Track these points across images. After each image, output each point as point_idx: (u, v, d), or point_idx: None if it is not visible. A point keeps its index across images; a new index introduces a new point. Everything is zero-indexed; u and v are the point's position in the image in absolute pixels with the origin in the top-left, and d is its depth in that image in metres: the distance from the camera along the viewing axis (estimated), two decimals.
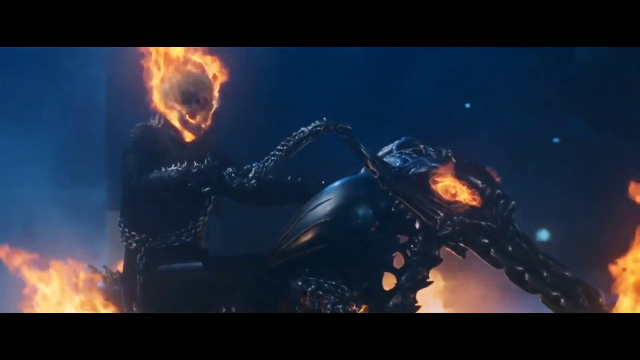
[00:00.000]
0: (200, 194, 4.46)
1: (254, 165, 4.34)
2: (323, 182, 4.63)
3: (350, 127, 4.33)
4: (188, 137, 4.79)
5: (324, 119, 4.33)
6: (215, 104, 4.74)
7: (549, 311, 3.97)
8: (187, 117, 4.72)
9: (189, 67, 4.80)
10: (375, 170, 4.34)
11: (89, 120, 6.82)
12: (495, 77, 6.87)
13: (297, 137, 4.30)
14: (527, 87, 6.84)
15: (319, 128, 4.31)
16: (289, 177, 4.69)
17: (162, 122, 4.77)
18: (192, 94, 4.68)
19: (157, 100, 4.79)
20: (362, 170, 4.70)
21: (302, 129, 4.33)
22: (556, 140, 6.88)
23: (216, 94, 4.75)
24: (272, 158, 4.32)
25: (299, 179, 4.71)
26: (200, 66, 4.83)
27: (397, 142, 4.65)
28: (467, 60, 6.76)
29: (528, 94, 6.86)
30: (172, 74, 4.80)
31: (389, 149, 4.66)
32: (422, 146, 4.56)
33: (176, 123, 4.74)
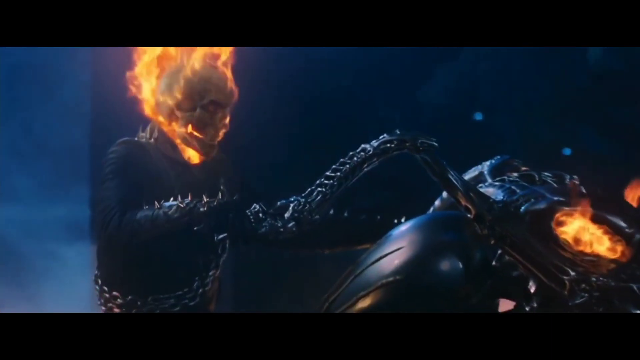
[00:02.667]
0: (212, 240, 3.06)
1: (291, 200, 2.95)
2: (379, 217, 3.54)
3: (435, 143, 2.94)
4: (193, 157, 3.42)
5: (397, 131, 2.95)
6: (229, 112, 3.50)
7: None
8: (190, 129, 3.37)
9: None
10: (469, 205, 2.97)
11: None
12: (509, 85, 6.53)
13: (356, 159, 2.93)
14: (541, 95, 6.53)
15: (389, 145, 2.94)
16: (331, 211, 3.45)
17: (155, 135, 3.43)
18: (197, 96, 3.44)
19: (149, 104, 3.51)
20: (437, 204, 3.32)
21: (363, 146, 2.96)
22: (567, 151, 6.46)
23: (232, 97, 3.51)
24: (320, 190, 2.94)
25: (346, 214, 3.50)
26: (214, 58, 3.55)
27: (488, 162, 3.28)
28: (481, 67, 6.49)
29: (541, 103, 6.53)
30: (173, 69, 3.52)
31: (476, 172, 3.29)
32: (523, 169, 3.26)
33: (176, 137, 3.36)
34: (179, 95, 3.41)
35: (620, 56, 6.35)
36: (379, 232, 3.20)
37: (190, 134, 3.41)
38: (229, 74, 3.45)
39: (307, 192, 2.97)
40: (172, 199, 3.12)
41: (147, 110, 3.50)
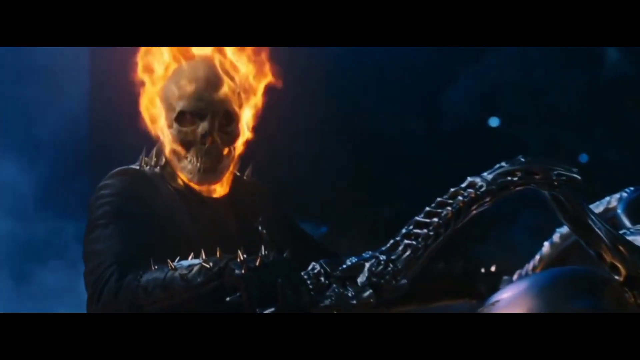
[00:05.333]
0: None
1: (366, 257, 2.09)
2: (482, 270, 2.72)
3: (578, 176, 2.05)
4: (215, 190, 2.61)
5: (522, 158, 2.12)
6: (245, 125, 2.64)
7: None
8: (168, 153, 2.61)
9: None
10: (616, 263, 2.14)
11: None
12: (526, 91, 6.23)
13: (461, 198, 2.11)
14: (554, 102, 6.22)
15: (511, 179, 2.07)
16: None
17: (162, 162, 2.60)
18: (168, 106, 2.59)
19: (150, 116, 2.65)
20: (546, 250, 2.52)
21: (470, 180, 2.14)
22: (584, 158, 6.19)
23: (252, 107, 2.66)
24: (409, 243, 2.10)
25: (441, 265, 2.70)
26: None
27: (618, 195, 2.46)
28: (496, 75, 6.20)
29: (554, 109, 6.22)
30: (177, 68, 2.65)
31: (601, 208, 2.50)
32: None
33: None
34: (176, 105, 2.58)
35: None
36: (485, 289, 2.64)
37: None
38: (220, 69, 2.61)
39: (388, 245, 2.08)
40: (191, 255, 2.19)
41: (150, 122, 2.63)
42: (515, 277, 2.66)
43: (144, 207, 2.45)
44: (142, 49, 2.65)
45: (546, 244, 2.59)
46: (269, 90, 2.66)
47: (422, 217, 2.08)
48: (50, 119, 5.45)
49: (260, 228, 2.41)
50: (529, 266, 2.63)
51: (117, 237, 2.35)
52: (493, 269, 2.73)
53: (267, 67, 2.66)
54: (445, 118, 6.13)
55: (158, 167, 2.57)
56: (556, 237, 2.55)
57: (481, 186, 2.07)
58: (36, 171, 5.49)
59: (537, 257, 2.60)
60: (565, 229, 2.54)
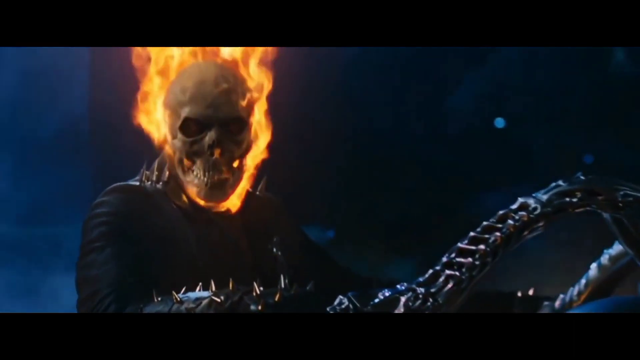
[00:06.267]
0: None
1: (401, 289, 1.80)
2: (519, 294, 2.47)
3: None
4: (226, 207, 2.37)
5: (581, 176, 1.87)
6: (258, 132, 2.40)
7: None
8: (176, 166, 2.36)
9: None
10: None
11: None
12: (532, 92, 6.00)
13: (512, 222, 1.85)
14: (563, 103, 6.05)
15: (570, 200, 1.80)
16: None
17: (165, 177, 2.35)
18: (174, 114, 2.34)
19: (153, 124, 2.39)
20: (593, 273, 2.27)
21: (522, 201, 1.87)
22: (589, 159, 5.94)
23: (264, 112, 2.40)
24: (450, 274, 1.85)
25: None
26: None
27: None
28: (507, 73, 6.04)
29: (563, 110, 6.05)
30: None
31: None
32: None
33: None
34: (162, 116, 2.37)
35: None
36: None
37: (175, 174, 2.32)
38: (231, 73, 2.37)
39: (427, 275, 1.82)
40: (199, 286, 1.92)
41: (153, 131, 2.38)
42: (557, 303, 2.39)
43: (144, 228, 2.20)
44: (155, 49, 2.39)
45: (593, 267, 2.32)
46: (275, 93, 2.43)
47: (466, 244, 1.80)
48: (50, 120, 5.29)
49: (275, 250, 2.18)
50: (574, 291, 2.36)
51: (114, 262, 2.11)
52: (531, 292, 2.47)
53: (274, 69, 2.43)
54: (452, 120, 5.93)
55: (161, 183, 2.32)
56: (605, 260, 2.29)
57: (535, 208, 1.81)
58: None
59: (583, 281, 2.33)
60: (614, 251, 2.28)
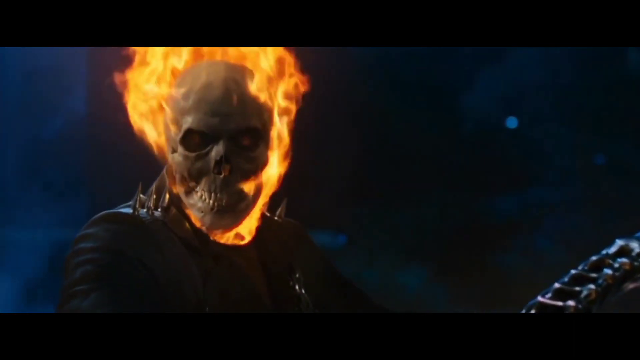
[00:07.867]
0: None
1: None
2: None
3: None
4: (240, 233, 2.07)
5: None
6: (281, 148, 2.07)
7: None
8: (178, 186, 2.00)
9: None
10: None
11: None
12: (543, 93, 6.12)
13: (609, 272, 1.49)
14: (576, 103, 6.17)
15: None
16: None
17: (164, 203, 2.00)
18: (175, 125, 1.99)
19: (153, 135, 2.06)
20: None
21: (621, 244, 1.52)
22: (600, 159, 6.07)
23: (285, 122, 2.08)
24: None
25: None
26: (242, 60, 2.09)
27: None
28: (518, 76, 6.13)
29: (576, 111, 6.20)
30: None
31: None
32: None
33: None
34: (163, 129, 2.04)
35: None
36: None
37: (176, 197, 2.00)
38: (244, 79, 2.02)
39: None
40: None
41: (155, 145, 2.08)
42: None
43: (139, 267, 1.84)
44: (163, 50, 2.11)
45: None
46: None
47: (549, 299, 1.48)
48: (50, 120, 5.32)
49: (297, 288, 1.97)
50: None
51: (101, 310, 1.76)
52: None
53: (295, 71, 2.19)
54: (466, 121, 5.99)
55: (159, 210, 1.96)
56: None
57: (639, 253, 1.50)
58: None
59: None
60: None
